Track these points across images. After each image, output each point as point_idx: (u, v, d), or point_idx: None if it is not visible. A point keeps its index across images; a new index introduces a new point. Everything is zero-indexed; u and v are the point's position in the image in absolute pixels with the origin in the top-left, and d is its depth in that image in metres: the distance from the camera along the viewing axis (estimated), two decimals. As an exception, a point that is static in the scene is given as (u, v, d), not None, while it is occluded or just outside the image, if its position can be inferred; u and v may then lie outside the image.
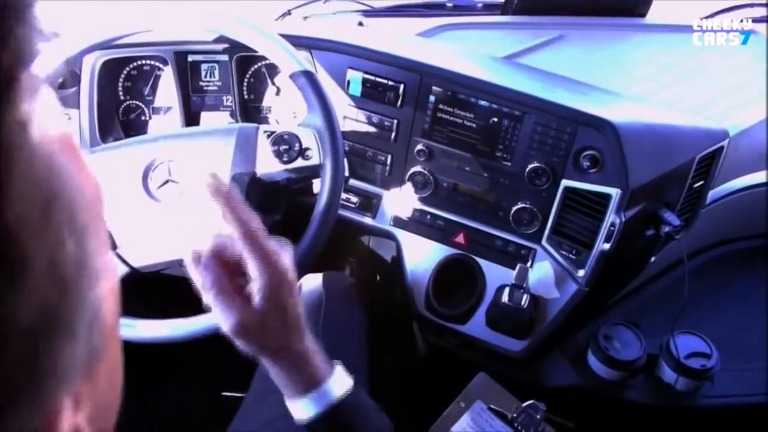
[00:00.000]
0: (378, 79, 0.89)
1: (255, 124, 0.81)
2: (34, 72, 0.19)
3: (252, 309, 0.47)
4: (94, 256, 0.22)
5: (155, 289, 0.90)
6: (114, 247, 0.77)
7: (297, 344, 0.52)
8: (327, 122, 0.75)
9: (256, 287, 0.47)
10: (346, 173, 0.80)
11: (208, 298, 0.48)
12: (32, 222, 0.18)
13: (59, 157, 0.20)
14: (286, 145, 0.77)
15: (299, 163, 0.77)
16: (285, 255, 0.49)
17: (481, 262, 0.91)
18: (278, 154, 0.78)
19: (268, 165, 0.78)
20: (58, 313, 0.19)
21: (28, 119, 0.18)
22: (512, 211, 0.88)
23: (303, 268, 0.75)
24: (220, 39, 0.92)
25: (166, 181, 0.79)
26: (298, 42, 0.86)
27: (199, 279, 0.48)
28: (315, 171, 0.78)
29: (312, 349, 0.54)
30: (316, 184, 0.92)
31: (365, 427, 0.56)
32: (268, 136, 0.79)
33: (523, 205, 0.87)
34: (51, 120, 0.20)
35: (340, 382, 0.55)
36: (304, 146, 0.77)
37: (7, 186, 0.17)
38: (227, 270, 0.49)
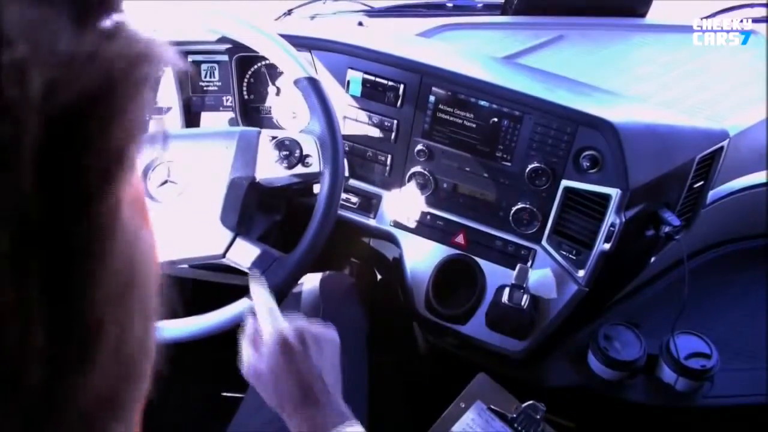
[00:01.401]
0: (378, 80, 0.89)
1: (257, 129, 0.80)
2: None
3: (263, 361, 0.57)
4: (154, 335, 0.21)
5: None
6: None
7: (313, 407, 0.55)
8: (329, 131, 0.75)
9: (264, 344, 0.58)
10: (346, 173, 0.80)
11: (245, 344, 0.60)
12: (112, 305, 0.17)
13: (143, 235, 0.19)
14: (287, 151, 0.77)
15: (299, 169, 0.77)
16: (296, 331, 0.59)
17: (481, 262, 0.91)
18: (278, 160, 0.78)
19: (267, 170, 0.78)
20: (116, 398, 0.19)
21: (123, 198, 0.17)
22: (512, 212, 0.88)
23: (302, 270, 0.75)
24: (221, 39, 0.92)
25: (165, 182, 0.79)
26: (298, 42, 0.86)
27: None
28: (314, 178, 0.78)
29: (330, 418, 0.55)
30: (317, 185, 0.92)
31: None
32: (270, 141, 0.79)
33: (523, 205, 0.87)
34: (136, 189, 0.19)
35: None
36: (304, 153, 0.77)
37: (101, 265, 0.16)
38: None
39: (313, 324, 0.61)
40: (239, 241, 0.75)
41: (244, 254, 0.75)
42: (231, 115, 1.02)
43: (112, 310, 0.17)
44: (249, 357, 0.59)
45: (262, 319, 0.60)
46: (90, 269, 0.16)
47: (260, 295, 0.62)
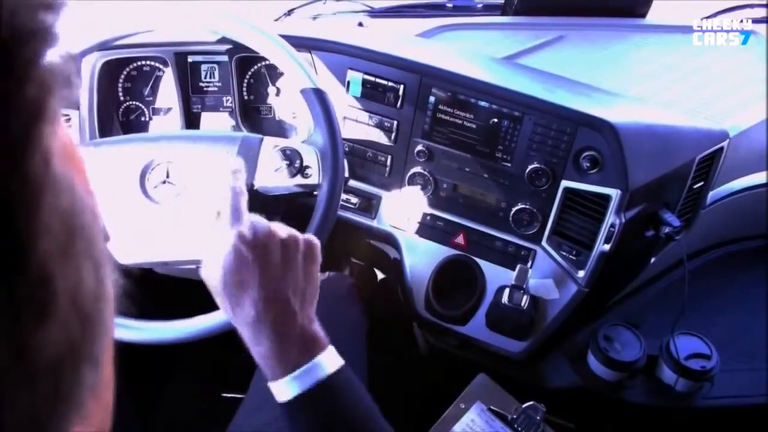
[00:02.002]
0: (378, 80, 0.89)
1: (260, 136, 0.80)
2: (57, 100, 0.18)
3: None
4: (107, 280, 0.21)
5: (144, 289, 0.90)
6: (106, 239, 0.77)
7: (291, 302, 0.51)
8: (331, 145, 0.75)
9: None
10: (346, 174, 0.80)
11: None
12: (58, 256, 0.17)
13: (79, 185, 0.20)
14: (287, 161, 0.77)
15: (298, 180, 0.77)
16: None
17: (481, 262, 0.91)
18: (278, 169, 0.78)
19: (266, 178, 0.78)
20: (80, 344, 0.19)
21: (52, 151, 0.18)
22: (512, 212, 0.88)
23: None
24: (221, 40, 0.92)
25: (163, 182, 0.79)
26: (299, 42, 0.86)
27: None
28: (312, 189, 0.78)
29: (310, 317, 0.52)
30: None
31: (352, 409, 0.52)
32: (271, 149, 0.78)
33: (523, 205, 0.87)
34: (65, 141, 0.20)
35: (330, 360, 0.52)
36: (304, 164, 0.77)
37: (37, 222, 0.17)
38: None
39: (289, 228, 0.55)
40: None
41: None
42: (231, 116, 1.02)
43: (59, 262, 0.17)
44: (232, 222, 0.53)
45: (224, 217, 0.54)
46: (29, 223, 0.16)
47: (230, 188, 0.56)
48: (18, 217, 0.16)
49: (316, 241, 0.56)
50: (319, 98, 0.75)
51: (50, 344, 0.17)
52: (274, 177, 0.78)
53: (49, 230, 0.17)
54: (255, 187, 0.78)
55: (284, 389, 0.50)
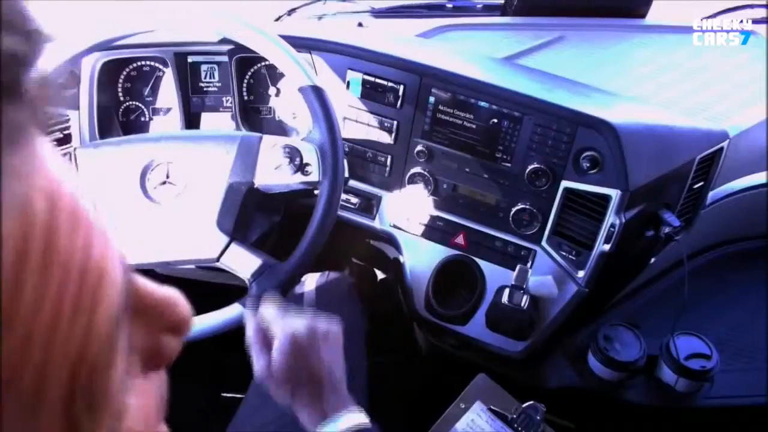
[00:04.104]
0: (378, 80, 0.89)
1: (259, 134, 0.80)
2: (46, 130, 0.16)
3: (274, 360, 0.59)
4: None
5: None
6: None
7: (324, 399, 0.58)
8: (331, 141, 0.75)
9: (275, 345, 0.59)
10: (346, 174, 0.80)
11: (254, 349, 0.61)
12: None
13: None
14: (287, 159, 0.77)
15: (298, 177, 0.77)
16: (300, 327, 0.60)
17: (481, 263, 0.91)
18: (278, 167, 0.78)
19: (266, 176, 0.78)
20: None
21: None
22: (512, 212, 0.88)
23: (294, 279, 0.75)
24: (222, 40, 0.92)
25: (164, 183, 0.79)
26: (299, 43, 0.86)
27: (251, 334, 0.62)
28: (313, 187, 0.78)
29: (338, 406, 0.58)
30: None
31: None
32: (271, 147, 0.78)
33: (523, 206, 0.87)
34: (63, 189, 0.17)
35: (350, 418, 0.57)
36: (304, 161, 0.77)
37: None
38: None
39: (319, 319, 0.62)
40: (234, 246, 0.75)
41: (238, 260, 0.75)
42: (230, 116, 1.02)
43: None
44: (260, 359, 0.60)
45: (271, 320, 0.61)
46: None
47: (265, 305, 0.64)
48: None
49: (336, 328, 0.63)
50: (317, 95, 0.75)
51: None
52: (275, 175, 0.78)
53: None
54: (255, 186, 0.78)
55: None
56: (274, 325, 0.61)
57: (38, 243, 0.15)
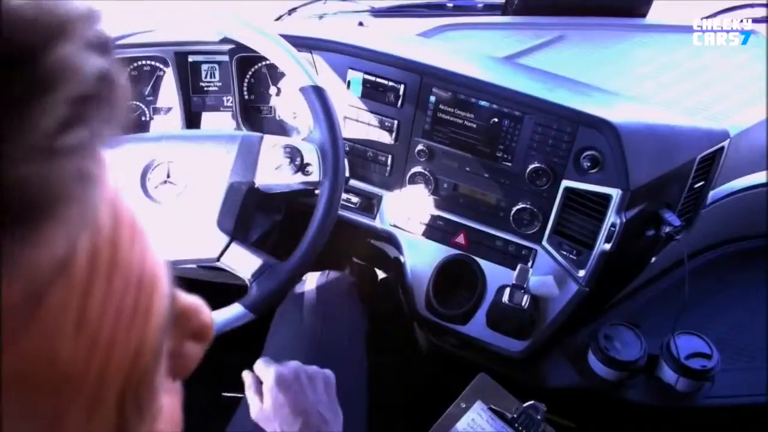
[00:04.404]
0: (378, 80, 0.89)
1: (259, 134, 0.80)
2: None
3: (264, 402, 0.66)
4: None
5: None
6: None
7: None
8: (331, 141, 0.75)
9: (264, 387, 0.67)
10: (347, 174, 0.80)
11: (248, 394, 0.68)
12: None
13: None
14: (288, 159, 0.77)
15: (299, 177, 0.77)
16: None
17: (482, 262, 0.91)
18: (279, 167, 0.78)
19: (267, 176, 0.78)
20: None
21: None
22: (513, 212, 0.88)
23: (293, 279, 0.75)
24: (222, 40, 0.92)
25: (164, 182, 0.79)
26: (299, 42, 0.86)
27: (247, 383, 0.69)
28: (314, 187, 0.78)
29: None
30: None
31: None
32: (272, 147, 0.78)
33: (524, 205, 0.87)
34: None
35: None
36: (305, 161, 0.77)
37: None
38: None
39: (308, 366, 0.69)
40: (234, 246, 0.75)
41: (239, 260, 0.75)
42: (231, 116, 1.02)
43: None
44: (254, 402, 0.66)
45: (260, 369, 0.68)
46: None
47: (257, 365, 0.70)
48: None
49: (326, 373, 0.69)
50: (318, 95, 0.75)
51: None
52: (275, 175, 0.78)
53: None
54: (256, 185, 0.78)
55: None
56: (263, 371, 0.67)
57: (105, 254, 0.16)
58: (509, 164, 0.87)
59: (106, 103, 0.15)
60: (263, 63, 0.99)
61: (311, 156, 0.77)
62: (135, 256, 0.17)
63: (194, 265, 0.79)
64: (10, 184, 0.12)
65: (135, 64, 1.00)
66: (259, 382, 0.68)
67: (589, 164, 0.80)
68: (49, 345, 0.14)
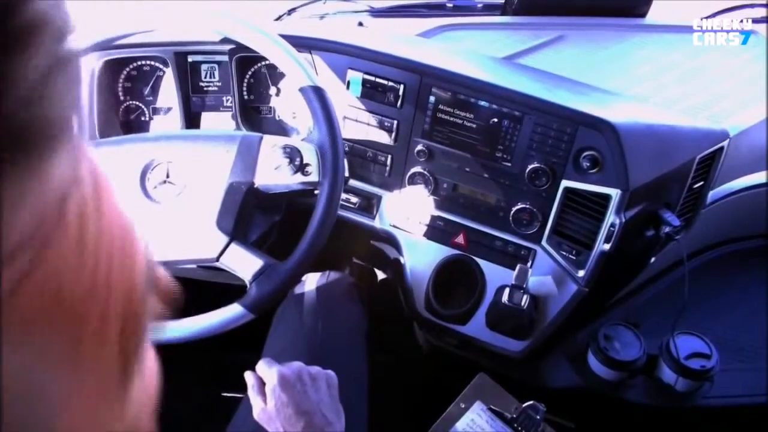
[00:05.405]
0: (378, 80, 0.89)
1: (259, 134, 0.80)
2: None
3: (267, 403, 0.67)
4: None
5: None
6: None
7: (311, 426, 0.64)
8: (331, 142, 0.75)
9: (266, 388, 0.68)
10: (346, 174, 0.80)
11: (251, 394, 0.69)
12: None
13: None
14: (287, 159, 0.77)
15: (298, 177, 0.77)
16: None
17: (481, 262, 0.91)
18: (278, 167, 0.77)
19: (266, 176, 0.78)
20: None
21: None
22: (512, 212, 0.88)
23: (293, 280, 0.75)
24: (222, 40, 0.92)
25: (164, 182, 0.79)
26: (299, 42, 0.86)
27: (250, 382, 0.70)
28: (313, 187, 0.78)
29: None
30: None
31: None
32: (271, 147, 0.78)
33: (523, 205, 0.87)
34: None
35: None
36: (304, 162, 0.77)
37: None
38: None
39: (310, 366, 0.70)
40: (234, 246, 0.75)
41: (238, 259, 0.75)
42: (231, 114, 1.02)
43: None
44: (257, 403, 0.67)
45: (262, 370, 0.69)
46: None
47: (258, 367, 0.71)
48: None
49: (328, 373, 0.71)
50: (317, 96, 0.75)
51: None
52: (275, 175, 0.78)
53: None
54: (255, 185, 0.78)
55: None
56: (265, 372, 0.68)
57: (91, 202, 0.18)
58: (509, 164, 0.87)
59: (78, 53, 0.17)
60: (263, 63, 0.99)
61: (311, 156, 0.77)
62: (113, 207, 0.19)
63: (194, 265, 0.79)
64: (10, 121, 0.14)
65: (135, 64, 1.00)
66: (261, 383, 0.69)
67: (588, 164, 0.80)
68: (56, 282, 0.15)
